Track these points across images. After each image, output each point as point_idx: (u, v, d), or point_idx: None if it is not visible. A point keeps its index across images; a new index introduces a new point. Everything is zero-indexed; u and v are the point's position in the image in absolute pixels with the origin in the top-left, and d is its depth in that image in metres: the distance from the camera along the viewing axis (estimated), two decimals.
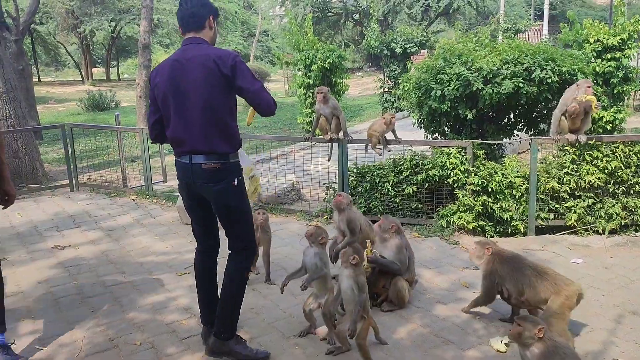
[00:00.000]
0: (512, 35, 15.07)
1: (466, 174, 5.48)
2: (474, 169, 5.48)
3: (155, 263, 5.07)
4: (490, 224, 5.51)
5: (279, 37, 42.70)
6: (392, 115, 5.80)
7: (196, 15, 3.32)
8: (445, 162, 5.54)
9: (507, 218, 5.48)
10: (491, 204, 5.45)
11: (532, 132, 7.08)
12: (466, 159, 5.50)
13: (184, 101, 3.22)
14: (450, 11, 31.39)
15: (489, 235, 5.47)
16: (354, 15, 35.66)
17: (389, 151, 5.88)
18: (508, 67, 6.32)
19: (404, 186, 5.74)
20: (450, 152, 5.56)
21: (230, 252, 3.48)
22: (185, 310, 4.15)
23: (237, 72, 3.19)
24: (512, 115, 7.17)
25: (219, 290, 3.53)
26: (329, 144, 6.07)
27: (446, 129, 7.28)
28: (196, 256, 3.68)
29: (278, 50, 34.00)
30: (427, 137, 7.42)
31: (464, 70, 6.42)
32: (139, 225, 6.13)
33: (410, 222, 5.80)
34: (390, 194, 5.80)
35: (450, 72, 6.52)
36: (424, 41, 14.02)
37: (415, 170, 5.71)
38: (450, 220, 5.52)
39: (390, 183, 5.77)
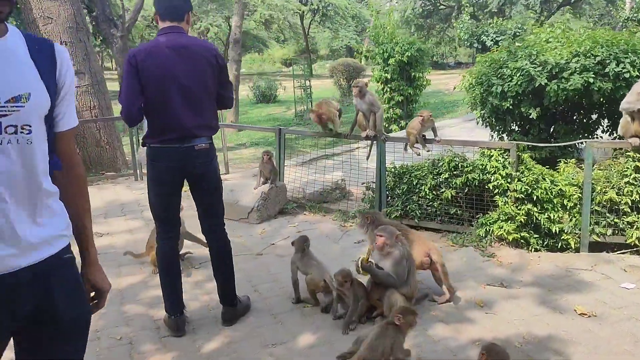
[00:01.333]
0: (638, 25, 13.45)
1: (508, 179, 4.92)
2: (518, 174, 4.90)
3: (188, 257, 5.07)
4: (535, 236, 4.91)
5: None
6: (429, 112, 5.35)
7: (178, 7, 3.42)
8: (486, 165, 5.01)
9: (555, 231, 4.84)
10: (537, 214, 4.84)
11: (616, 134, 6.26)
12: (509, 163, 4.94)
13: (189, 87, 3.39)
14: (573, 1, 29.02)
15: (533, 249, 4.88)
16: (467, 8, 34.18)
17: (428, 151, 5.45)
18: (578, 60, 5.61)
19: (443, 189, 5.29)
20: (491, 154, 5.02)
21: (216, 228, 3.79)
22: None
23: (224, 65, 3.58)
24: (593, 115, 6.40)
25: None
26: (369, 141, 5.76)
27: (515, 127, 6.67)
28: (165, 246, 3.69)
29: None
30: (492, 136, 6.84)
31: (526, 64, 5.81)
32: (184, 215, 6.20)
33: (449, 229, 5.34)
34: (428, 197, 5.37)
35: (513, 66, 5.94)
36: (518, 33, 13.03)
37: (455, 172, 5.23)
38: (489, 230, 5.00)
39: (428, 185, 5.33)
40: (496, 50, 6.70)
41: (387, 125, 11.28)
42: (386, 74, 10.79)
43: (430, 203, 5.40)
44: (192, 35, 3.58)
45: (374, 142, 5.69)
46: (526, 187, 4.82)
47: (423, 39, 37.86)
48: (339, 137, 5.97)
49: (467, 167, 5.14)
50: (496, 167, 4.95)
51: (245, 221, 5.93)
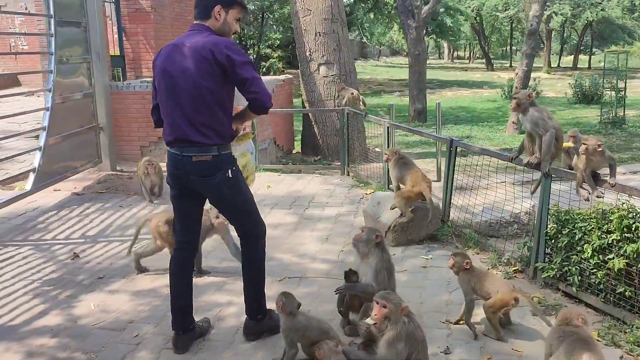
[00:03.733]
0: None
1: None
2: None
3: (280, 264, 4.78)
4: None
5: None
6: (596, 140, 3.67)
7: (202, 5, 3.23)
8: None
9: None
10: None
11: None
12: None
13: (174, 87, 3.15)
14: None
15: None
16: None
17: (598, 197, 3.79)
18: None
19: (612, 256, 3.64)
20: None
21: (242, 242, 3.45)
22: (218, 319, 3.85)
23: (232, 59, 3.05)
24: None
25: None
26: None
27: None
28: (175, 258, 3.47)
29: None
30: None
31: None
32: (332, 221, 5.85)
33: (613, 312, 3.67)
34: (591, 261, 3.78)
35: None
36: None
37: (627, 235, 3.53)
38: None
39: (593, 245, 3.75)
40: None
41: None
42: None
43: (594, 270, 3.79)
44: (212, 34, 3.18)
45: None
46: None
47: None
48: (502, 158, 4.70)
49: None
50: None
51: None
